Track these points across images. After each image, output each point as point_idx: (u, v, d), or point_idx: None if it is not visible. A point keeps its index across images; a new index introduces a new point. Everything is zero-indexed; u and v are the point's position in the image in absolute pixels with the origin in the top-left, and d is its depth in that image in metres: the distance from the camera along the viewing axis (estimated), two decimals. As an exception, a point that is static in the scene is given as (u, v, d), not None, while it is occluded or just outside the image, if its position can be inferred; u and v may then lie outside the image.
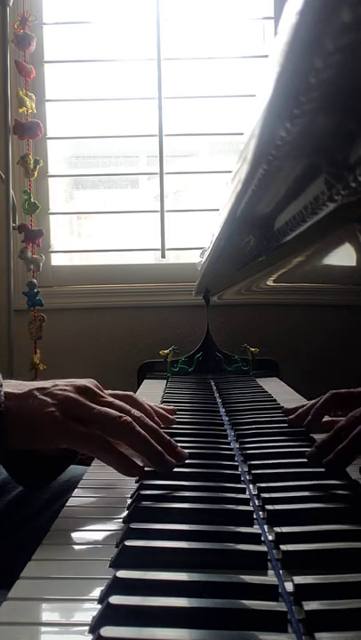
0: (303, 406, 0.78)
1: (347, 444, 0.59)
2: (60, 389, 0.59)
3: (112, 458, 0.57)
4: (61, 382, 0.61)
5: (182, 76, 2.06)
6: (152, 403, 0.76)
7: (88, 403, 0.59)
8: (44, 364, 1.91)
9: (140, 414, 0.61)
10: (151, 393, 1.21)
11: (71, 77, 2.11)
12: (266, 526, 0.48)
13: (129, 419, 0.58)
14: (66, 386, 0.60)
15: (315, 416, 0.74)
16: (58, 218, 2.13)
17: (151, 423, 0.61)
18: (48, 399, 0.58)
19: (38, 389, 0.59)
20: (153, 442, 0.58)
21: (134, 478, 0.60)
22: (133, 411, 0.61)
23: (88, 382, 0.62)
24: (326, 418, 0.75)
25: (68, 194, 2.23)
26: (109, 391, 0.66)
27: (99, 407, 0.59)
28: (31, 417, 0.57)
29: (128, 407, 0.61)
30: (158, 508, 0.50)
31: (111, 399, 0.62)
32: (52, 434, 0.57)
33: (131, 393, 0.70)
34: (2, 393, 0.57)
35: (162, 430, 0.62)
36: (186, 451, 0.62)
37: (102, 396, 0.61)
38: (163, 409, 0.80)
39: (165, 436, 0.61)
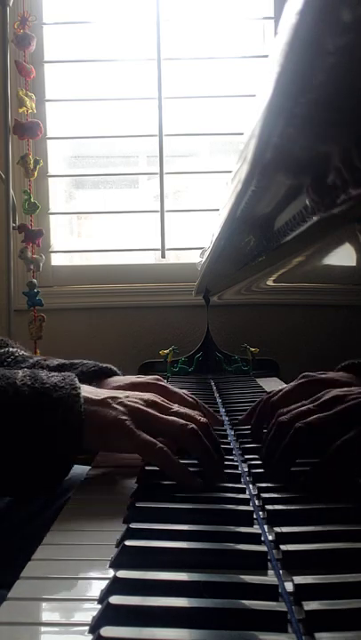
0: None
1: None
2: (132, 401, 0.64)
3: (173, 471, 0.58)
4: (132, 394, 0.67)
5: (182, 76, 2.06)
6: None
7: (156, 414, 0.63)
8: (44, 364, 1.91)
9: (206, 421, 0.64)
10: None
11: (71, 77, 2.11)
12: (266, 526, 0.48)
13: (194, 427, 0.61)
14: (136, 398, 0.66)
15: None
16: (58, 218, 2.13)
17: (213, 433, 0.63)
18: (121, 408, 0.63)
19: (112, 398, 0.64)
20: (213, 453, 0.60)
21: (134, 478, 0.60)
22: (199, 418, 0.64)
23: (154, 396, 0.67)
24: None
25: (68, 194, 2.23)
26: (179, 392, 0.76)
27: (166, 417, 0.63)
28: (106, 423, 0.61)
29: (193, 415, 0.65)
30: (158, 508, 0.50)
31: (177, 408, 0.66)
32: (123, 441, 0.61)
33: (195, 399, 0.77)
34: (81, 397, 0.61)
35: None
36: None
37: (169, 408, 0.66)
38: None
39: (222, 449, 0.63)
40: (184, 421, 0.62)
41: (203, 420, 0.64)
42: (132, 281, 2.06)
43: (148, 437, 0.60)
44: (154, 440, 0.60)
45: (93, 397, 0.63)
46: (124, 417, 0.62)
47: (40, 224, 2.02)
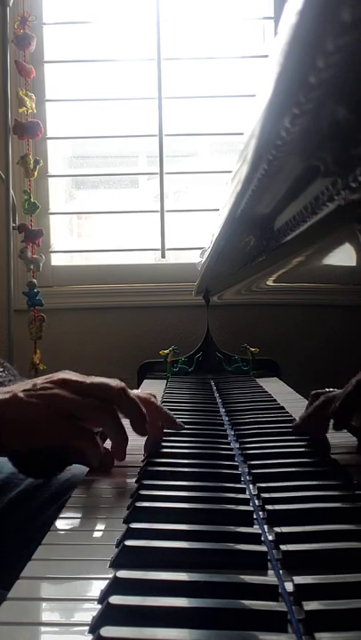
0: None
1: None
2: (42, 387, 0.61)
3: (97, 451, 0.60)
4: (40, 380, 0.62)
5: (182, 76, 2.06)
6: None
7: (72, 396, 0.60)
8: (44, 364, 1.91)
9: (119, 390, 0.62)
10: (151, 393, 1.20)
11: (71, 77, 2.11)
12: (266, 526, 0.47)
13: (111, 407, 0.61)
14: (46, 383, 0.61)
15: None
16: (58, 218, 2.13)
17: (132, 396, 0.63)
18: (35, 400, 0.59)
19: (22, 391, 0.60)
20: (140, 405, 0.62)
21: (134, 479, 0.60)
22: (113, 386, 0.62)
23: (64, 374, 0.64)
24: None
25: (68, 194, 2.23)
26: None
27: (82, 400, 0.60)
28: (22, 420, 0.59)
29: (107, 383, 0.62)
30: (158, 508, 0.50)
31: (90, 381, 0.63)
32: (47, 432, 0.59)
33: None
34: None
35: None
36: (186, 451, 0.63)
37: (82, 382, 0.62)
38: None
39: (142, 408, 0.63)
40: (99, 402, 0.60)
41: (118, 385, 0.62)
42: (132, 281, 2.06)
43: (71, 424, 0.59)
44: (77, 425, 0.59)
45: (1, 398, 0.60)
46: (42, 409, 0.59)
47: (40, 224, 2.02)
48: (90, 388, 0.61)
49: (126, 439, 0.62)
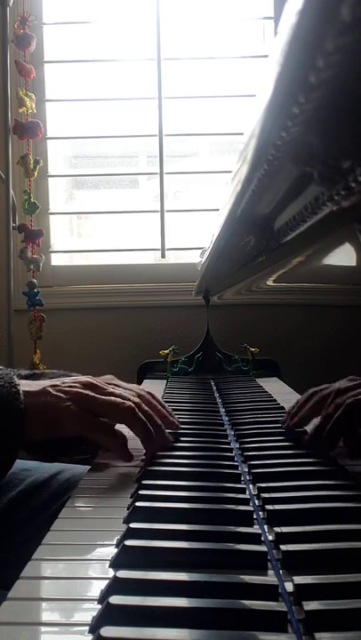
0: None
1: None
2: (69, 386, 0.69)
3: (115, 442, 0.67)
4: (68, 379, 0.71)
5: (182, 76, 2.06)
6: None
7: (95, 395, 0.68)
8: (44, 364, 1.91)
9: (138, 400, 0.70)
10: (151, 393, 1.20)
11: (71, 77, 2.11)
12: (266, 526, 0.47)
13: (131, 404, 0.68)
14: (73, 382, 0.70)
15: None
16: (58, 218, 2.13)
17: (146, 408, 0.70)
18: (62, 395, 0.67)
19: (51, 387, 0.68)
20: (148, 425, 0.68)
21: (134, 478, 0.60)
22: (133, 398, 0.70)
23: (90, 378, 0.72)
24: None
25: (68, 194, 2.23)
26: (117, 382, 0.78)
27: (103, 397, 0.68)
28: (50, 411, 0.66)
29: (128, 395, 0.71)
30: (158, 507, 0.50)
31: (112, 389, 0.71)
32: (69, 424, 0.66)
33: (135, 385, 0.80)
34: (21, 392, 0.65)
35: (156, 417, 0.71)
36: (186, 451, 0.63)
37: (105, 388, 0.71)
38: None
39: (157, 419, 0.70)
40: (120, 400, 0.68)
41: (136, 399, 0.70)
42: (132, 281, 2.06)
43: (92, 417, 0.67)
44: (97, 419, 0.67)
45: (32, 390, 0.67)
46: (67, 402, 0.66)
47: (40, 224, 2.02)
48: (102, 405, 0.68)
49: (153, 431, 0.68)
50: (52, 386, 0.68)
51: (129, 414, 0.67)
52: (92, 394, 0.68)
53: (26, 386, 0.67)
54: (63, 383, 0.69)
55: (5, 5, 1.88)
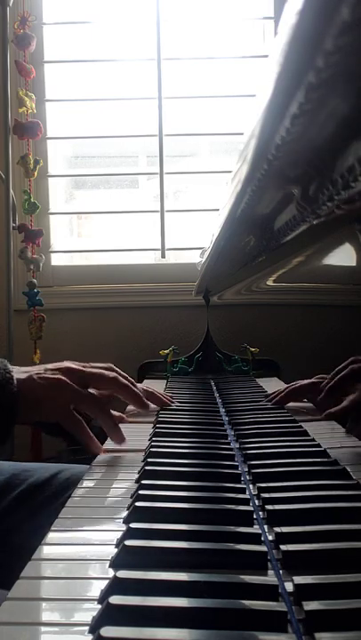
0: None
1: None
2: (53, 372, 0.75)
3: (103, 415, 0.74)
4: (49, 366, 0.77)
5: (182, 76, 2.06)
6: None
7: (82, 367, 0.77)
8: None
9: (115, 374, 0.79)
10: (151, 393, 1.20)
11: (71, 77, 2.11)
12: (266, 526, 0.47)
13: (115, 374, 0.79)
14: (55, 368, 0.76)
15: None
16: (58, 218, 2.13)
17: (125, 381, 0.80)
18: (50, 375, 0.74)
19: (36, 373, 0.74)
20: (133, 388, 0.80)
21: (134, 478, 0.60)
22: (108, 373, 0.79)
23: (69, 363, 0.78)
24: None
25: (68, 194, 2.23)
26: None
27: (89, 369, 0.77)
28: (41, 390, 0.72)
29: (102, 374, 0.78)
30: (158, 507, 0.50)
31: (90, 368, 0.78)
32: (61, 397, 0.72)
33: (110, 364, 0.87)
34: (15, 378, 0.71)
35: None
36: (186, 451, 0.63)
37: (83, 369, 0.77)
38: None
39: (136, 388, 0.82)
40: (104, 371, 0.78)
41: (112, 374, 0.79)
42: (132, 281, 2.06)
43: (83, 389, 0.73)
44: (88, 391, 0.74)
45: (22, 377, 0.73)
46: (58, 375, 0.73)
47: (40, 224, 2.02)
48: (90, 375, 0.76)
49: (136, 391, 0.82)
50: (37, 372, 0.75)
51: (115, 381, 0.77)
52: (80, 367, 0.76)
53: (18, 373, 0.74)
54: (46, 369, 0.76)
55: (5, 5, 1.89)
